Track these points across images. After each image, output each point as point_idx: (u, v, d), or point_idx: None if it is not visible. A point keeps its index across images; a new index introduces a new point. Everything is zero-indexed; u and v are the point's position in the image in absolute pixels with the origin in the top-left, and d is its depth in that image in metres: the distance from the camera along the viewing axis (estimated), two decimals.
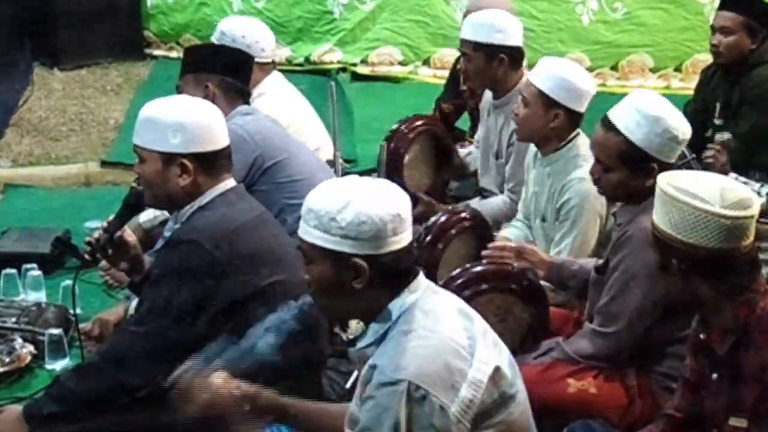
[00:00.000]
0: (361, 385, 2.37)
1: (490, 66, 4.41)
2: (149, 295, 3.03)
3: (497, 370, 2.35)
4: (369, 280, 2.33)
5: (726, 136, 4.62)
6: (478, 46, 4.42)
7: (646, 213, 3.06)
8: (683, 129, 3.16)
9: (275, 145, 3.94)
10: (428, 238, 3.70)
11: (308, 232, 2.34)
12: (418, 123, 4.71)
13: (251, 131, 3.87)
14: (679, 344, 3.14)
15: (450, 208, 4.17)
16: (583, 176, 3.60)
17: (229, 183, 3.10)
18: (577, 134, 3.81)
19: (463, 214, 3.83)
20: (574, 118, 3.77)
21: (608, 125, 3.17)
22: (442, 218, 3.77)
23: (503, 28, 4.40)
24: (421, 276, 2.41)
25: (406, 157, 4.60)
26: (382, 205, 2.31)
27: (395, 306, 2.35)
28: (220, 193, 3.06)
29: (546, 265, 3.48)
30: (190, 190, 3.03)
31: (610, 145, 3.16)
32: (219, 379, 2.55)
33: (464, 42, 4.52)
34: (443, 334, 2.32)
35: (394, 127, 4.66)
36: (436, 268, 3.64)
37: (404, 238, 2.35)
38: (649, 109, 3.13)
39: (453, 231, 3.74)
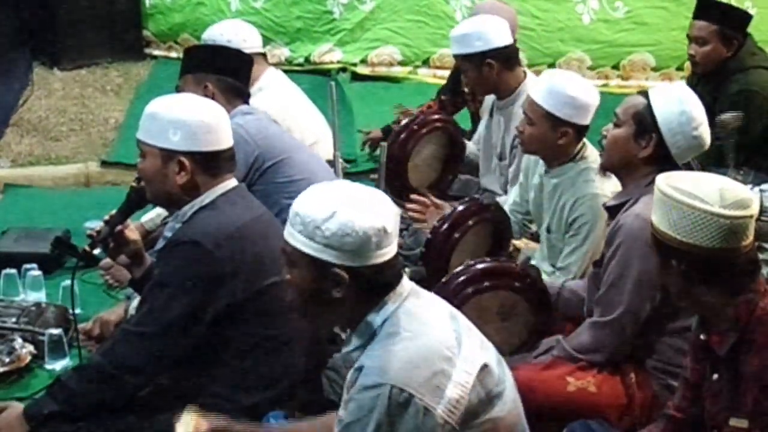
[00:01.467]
0: (347, 388, 2.37)
1: (482, 73, 4.41)
2: (150, 297, 3.03)
3: (484, 367, 2.35)
4: (348, 290, 2.33)
5: None
6: (465, 58, 4.44)
7: (639, 203, 3.13)
8: (703, 131, 3.19)
9: (275, 145, 3.94)
10: (445, 225, 3.67)
11: (293, 236, 2.35)
12: (434, 118, 4.67)
13: (251, 131, 3.88)
14: (669, 336, 3.17)
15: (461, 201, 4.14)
16: (597, 192, 3.59)
17: (231, 183, 3.10)
18: (584, 145, 3.75)
19: (486, 204, 3.79)
20: (581, 132, 3.70)
21: (644, 93, 3.25)
22: (462, 206, 3.73)
23: (482, 34, 4.39)
24: (405, 280, 2.41)
25: (415, 153, 4.58)
26: (369, 219, 2.30)
27: (379, 313, 2.35)
28: (221, 193, 3.06)
29: None
30: (188, 189, 3.03)
31: (632, 103, 3.24)
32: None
33: (455, 57, 4.55)
34: (428, 335, 2.32)
35: (405, 121, 4.62)
36: (450, 255, 3.63)
37: (388, 252, 2.34)
38: (687, 100, 3.19)
39: (471, 222, 3.70)
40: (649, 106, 3.18)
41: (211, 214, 3.02)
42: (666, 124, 3.15)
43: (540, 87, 3.70)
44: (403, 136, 4.54)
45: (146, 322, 2.97)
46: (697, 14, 4.94)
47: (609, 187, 3.55)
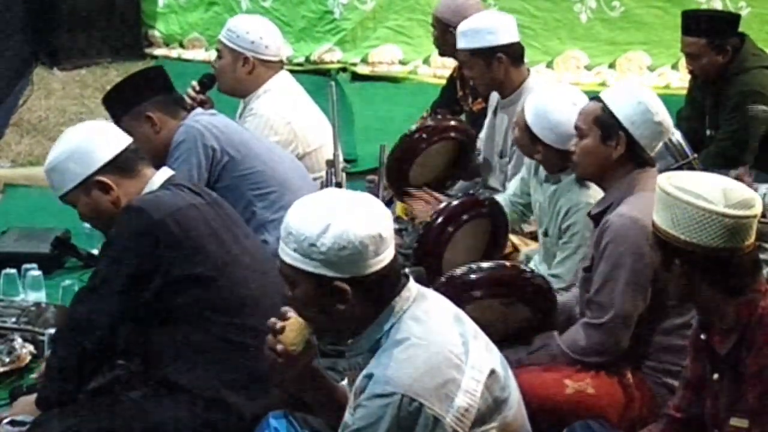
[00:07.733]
0: (354, 394, 2.36)
1: (491, 69, 4.40)
2: (98, 263, 3.13)
3: (492, 373, 2.35)
4: (353, 301, 2.31)
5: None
6: (474, 53, 4.42)
7: (623, 204, 3.16)
8: (664, 117, 3.23)
9: (233, 138, 3.99)
10: (440, 219, 3.65)
11: (288, 254, 2.32)
12: (450, 125, 4.62)
13: (205, 125, 3.96)
14: (662, 335, 3.18)
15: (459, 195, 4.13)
16: (591, 201, 3.57)
17: (162, 175, 3.14)
18: None
19: (483, 199, 3.78)
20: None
21: (596, 98, 3.31)
22: (457, 200, 3.74)
23: (494, 29, 4.39)
24: (411, 283, 2.40)
25: (425, 154, 4.54)
26: (363, 227, 2.27)
27: (385, 316, 2.34)
28: (159, 185, 3.09)
29: None
30: (121, 202, 3.07)
31: (589, 110, 3.30)
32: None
33: (460, 52, 4.52)
34: (436, 342, 2.31)
35: (420, 126, 4.59)
36: (443, 250, 3.62)
37: (386, 256, 2.33)
38: (638, 91, 3.28)
39: (466, 216, 3.69)
40: (606, 108, 3.23)
41: (153, 193, 3.08)
42: (627, 118, 3.20)
43: (534, 118, 3.66)
44: (417, 136, 4.51)
45: (94, 287, 3.05)
46: (685, 30, 4.93)
47: (596, 195, 3.55)
